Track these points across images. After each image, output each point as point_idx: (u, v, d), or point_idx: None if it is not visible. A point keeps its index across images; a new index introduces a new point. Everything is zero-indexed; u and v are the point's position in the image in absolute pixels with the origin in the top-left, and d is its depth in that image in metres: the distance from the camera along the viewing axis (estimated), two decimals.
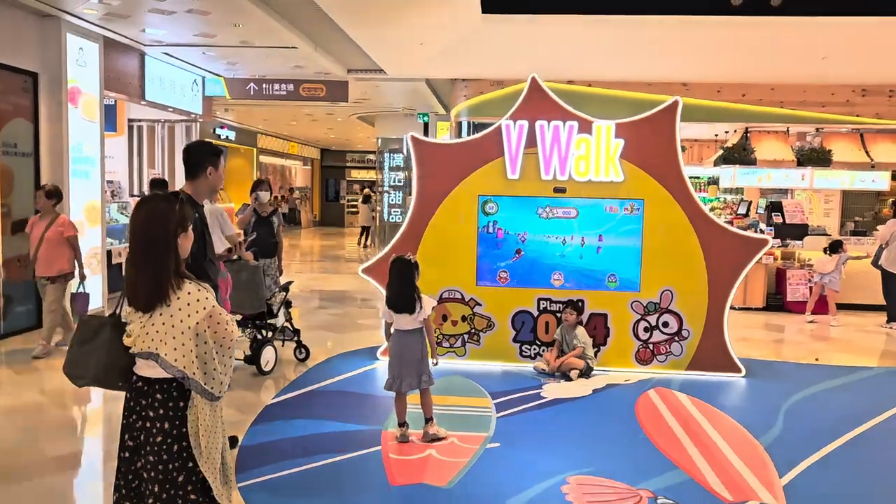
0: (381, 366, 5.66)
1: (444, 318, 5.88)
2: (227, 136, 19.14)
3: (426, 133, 15.69)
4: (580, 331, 5.59)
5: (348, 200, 33.42)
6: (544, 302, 5.82)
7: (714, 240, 5.62)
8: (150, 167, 11.77)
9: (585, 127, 5.67)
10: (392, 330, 4.21)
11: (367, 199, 19.79)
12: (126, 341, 2.17)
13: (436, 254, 5.82)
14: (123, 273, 3.02)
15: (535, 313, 5.83)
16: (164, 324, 2.10)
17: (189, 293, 2.12)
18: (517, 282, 5.86)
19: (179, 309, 2.10)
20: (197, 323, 2.10)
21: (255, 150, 24.85)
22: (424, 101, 13.68)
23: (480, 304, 5.86)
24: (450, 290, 5.88)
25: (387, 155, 16.98)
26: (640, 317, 5.74)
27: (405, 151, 16.89)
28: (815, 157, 9.73)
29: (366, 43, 7.69)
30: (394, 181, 16.83)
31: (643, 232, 5.70)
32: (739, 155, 9.87)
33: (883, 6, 7.64)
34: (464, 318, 5.89)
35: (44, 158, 6.89)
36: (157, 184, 7.85)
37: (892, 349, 7.13)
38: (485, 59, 9.17)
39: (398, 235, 5.91)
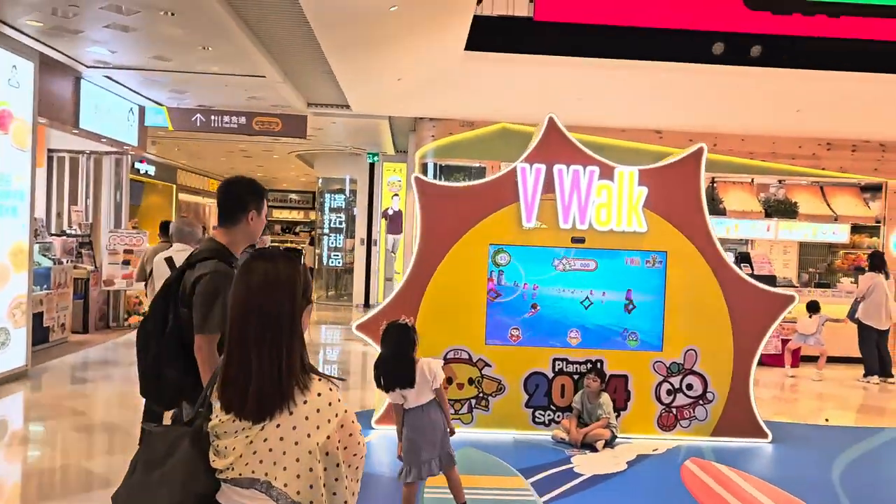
0: (379, 439, 5.01)
1: (450, 380, 5.31)
2: (147, 171, 17.95)
3: (371, 174, 15.20)
4: (605, 399, 5.16)
5: (271, 241, 32.22)
6: (560, 362, 5.37)
7: (740, 295, 5.37)
8: (73, 204, 10.64)
9: (607, 173, 5.35)
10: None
11: (312, 241, 19.18)
12: (217, 462, 1.54)
13: (441, 309, 5.29)
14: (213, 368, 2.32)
15: (551, 375, 5.37)
16: (281, 439, 1.50)
17: (320, 394, 1.54)
18: (530, 340, 5.40)
19: (306, 418, 1.51)
20: (328, 437, 1.51)
21: (174, 186, 23.53)
22: (373, 140, 13.21)
23: (490, 366, 5.34)
24: (455, 350, 5.34)
25: (328, 196, 16.30)
26: (662, 378, 5.38)
27: (347, 192, 16.29)
28: (781, 209, 9.90)
29: (345, 75, 7.18)
30: (335, 223, 16.14)
31: (666, 286, 5.39)
32: (709, 205, 9.90)
33: (859, 62, 7.89)
34: (471, 381, 5.35)
35: None
36: (166, 228, 6.77)
37: (893, 406, 7.14)
38: (457, 99, 8.85)
39: (399, 287, 5.34)
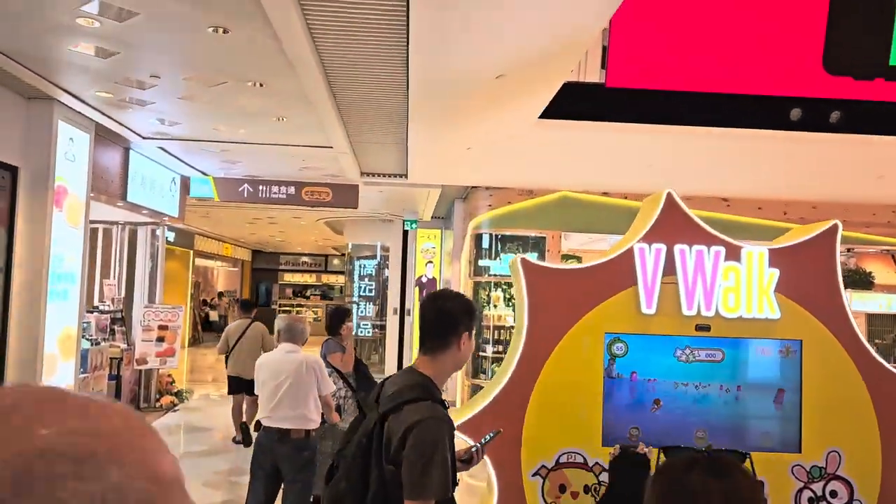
0: None
1: (563, 488, 4.73)
2: (167, 238, 17.62)
3: (405, 241, 14.82)
4: None
5: (280, 306, 31.92)
6: None
7: (885, 388, 4.84)
8: (104, 277, 10.18)
9: (733, 253, 4.89)
10: None
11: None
12: None
13: (551, 406, 4.75)
14: None
15: None
16: None
17: None
18: (651, 441, 4.82)
19: None
20: None
21: (191, 251, 23.23)
22: (412, 207, 12.88)
23: (608, 470, 4.76)
24: (569, 453, 4.77)
25: (357, 262, 15.87)
26: (803, 485, 4.79)
27: (378, 258, 15.88)
28: (857, 279, 9.45)
29: (418, 145, 6.85)
30: (364, 291, 15.65)
31: (802, 379, 4.85)
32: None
33: None
34: (587, 489, 4.75)
35: (17, 276, 5.44)
36: (246, 305, 7.09)
37: None
38: (519, 166, 8.52)
39: (504, 381, 4.81)
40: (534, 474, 4.75)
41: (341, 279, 33.80)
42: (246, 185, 8.84)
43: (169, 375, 10.53)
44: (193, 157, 8.08)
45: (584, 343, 4.83)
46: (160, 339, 9.89)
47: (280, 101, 5.47)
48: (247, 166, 8.41)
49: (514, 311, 9.79)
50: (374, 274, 15.65)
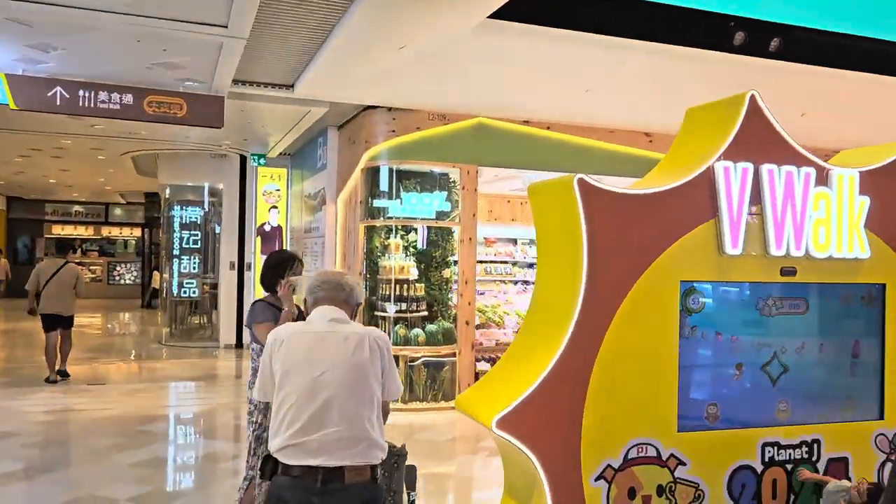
0: None
1: (632, 493, 3.59)
2: None
3: (242, 182, 12.60)
4: None
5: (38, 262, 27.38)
6: (770, 448, 3.88)
7: None
8: None
9: (821, 177, 3.96)
10: None
11: (156, 266, 16.45)
12: None
13: (618, 385, 3.57)
14: None
15: (760, 468, 3.85)
16: None
17: None
18: (732, 419, 3.85)
19: None
20: None
21: None
22: (258, 137, 10.77)
23: (684, 464, 3.70)
24: (640, 445, 3.62)
25: (177, 209, 13.26)
26: (885, 456, 4.10)
27: (206, 205, 13.40)
28: None
29: (341, 40, 5.12)
30: (189, 243, 13.15)
31: (885, 331, 4.12)
32: None
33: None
34: (660, 491, 3.66)
35: None
36: (61, 247, 9.40)
37: None
38: (439, 82, 7.05)
39: (559, 354, 3.48)
40: (597, 478, 3.54)
41: (126, 231, 29.71)
42: (59, 88, 6.32)
43: None
44: None
45: (656, 296, 3.65)
46: None
47: None
48: (64, 60, 5.93)
49: (417, 261, 8.37)
50: (199, 222, 13.20)
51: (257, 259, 12.47)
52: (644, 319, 3.62)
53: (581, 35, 6.07)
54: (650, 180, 3.98)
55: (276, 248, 12.59)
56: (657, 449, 3.64)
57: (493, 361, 8.69)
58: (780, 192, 3.83)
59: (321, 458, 2.75)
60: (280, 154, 12.15)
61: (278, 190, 12.60)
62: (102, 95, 6.51)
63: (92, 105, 6.50)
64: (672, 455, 3.67)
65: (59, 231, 29.67)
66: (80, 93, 6.47)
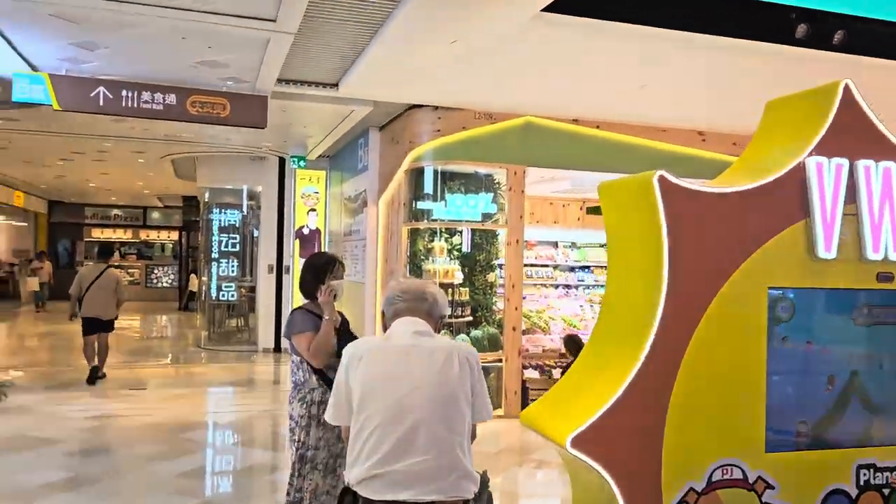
0: None
1: None
2: None
3: (281, 185, 12.50)
4: None
5: (81, 267, 27.84)
6: (866, 470, 3.55)
7: None
8: None
9: None
10: None
11: (193, 270, 16.56)
12: None
13: (701, 401, 3.29)
14: None
15: (854, 492, 3.52)
16: None
17: None
18: (824, 438, 3.54)
19: None
20: None
21: None
22: (299, 139, 10.65)
23: (773, 487, 3.40)
24: (725, 466, 3.34)
25: (216, 212, 13.22)
26: None
27: (245, 208, 13.35)
28: None
29: (389, 37, 4.91)
30: (227, 246, 13.09)
31: None
32: None
33: None
34: None
35: None
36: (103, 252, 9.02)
37: None
38: (489, 79, 6.80)
39: (634, 372, 3.20)
40: (679, 502, 3.25)
41: (164, 235, 30.04)
42: (102, 88, 6.24)
43: None
44: (24, 38, 5.34)
45: (742, 304, 3.36)
46: None
47: None
48: (108, 59, 5.83)
49: (461, 265, 8.14)
50: (238, 225, 13.14)
51: (296, 262, 12.36)
52: (729, 329, 3.34)
53: (639, 28, 5.79)
54: (731, 178, 3.69)
55: (315, 251, 12.48)
56: (743, 471, 3.35)
57: (540, 368, 8.42)
58: (877, 191, 3.52)
59: (408, 492, 2.43)
60: (319, 156, 12.03)
61: (317, 192, 12.47)
62: (145, 96, 6.40)
63: (135, 105, 6.40)
64: (759, 478, 3.37)
65: (98, 234, 30.12)
66: (124, 93, 6.37)
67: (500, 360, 8.07)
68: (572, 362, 7.55)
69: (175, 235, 28.90)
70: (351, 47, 5.66)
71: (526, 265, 10.33)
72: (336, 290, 3.85)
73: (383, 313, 2.86)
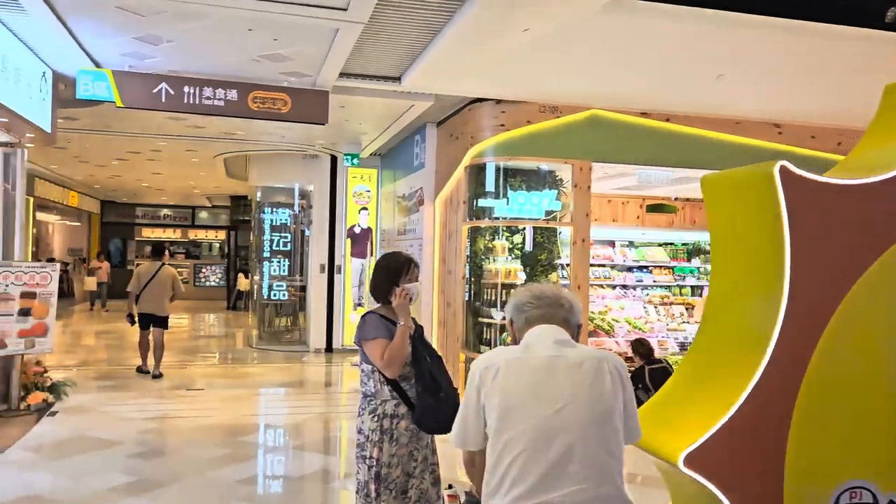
0: None
1: None
2: None
3: (333, 183, 12.37)
4: None
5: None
6: None
7: None
8: None
9: None
10: None
11: (244, 271, 16.61)
12: None
13: (830, 413, 2.96)
14: None
15: None
16: None
17: None
18: None
19: None
20: None
21: (30, 199, 19.13)
22: (353, 136, 10.49)
23: None
24: (854, 488, 3.02)
25: (268, 211, 13.18)
26: None
27: (296, 206, 13.28)
28: None
29: (462, 27, 4.67)
30: (279, 245, 13.04)
31: None
32: None
33: None
34: None
35: None
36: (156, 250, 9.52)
37: None
38: (553, 72, 6.52)
39: (752, 385, 2.90)
40: None
41: (211, 234, 30.35)
42: (164, 84, 6.15)
43: (39, 363, 7.69)
44: (89, 33, 5.25)
45: (874, 307, 3.03)
46: (24, 312, 7.06)
47: None
48: (171, 54, 5.73)
49: (522, 264, 7.85)
50: (289, 224, 13.08)
51: (347, 261, 12.23)
52: (860, 336, 3.02)
53: (717, 13, 5.45)
54: (851, 169, 3.36)
55: (366, 251, 12.32)
56: (874, 494, 3.03)
57: None
58: None
59: None
60: (371, 154, 11.87)
61: (368, 191, 12.32)
62: (207, 92, 6.30)
63: (197, 101, 6.30)
64: (891, 501, 3.04)
65: (148, 234, 30.60)
66: (186, 89, 6.28)
67: None
68: (641, 367, 7.25)
69: (222, 235, 29.18)
70: (418, 38, 5.45)
71: None
72: (412, 293, 3.60)
73: (511, 321, 2.56)
